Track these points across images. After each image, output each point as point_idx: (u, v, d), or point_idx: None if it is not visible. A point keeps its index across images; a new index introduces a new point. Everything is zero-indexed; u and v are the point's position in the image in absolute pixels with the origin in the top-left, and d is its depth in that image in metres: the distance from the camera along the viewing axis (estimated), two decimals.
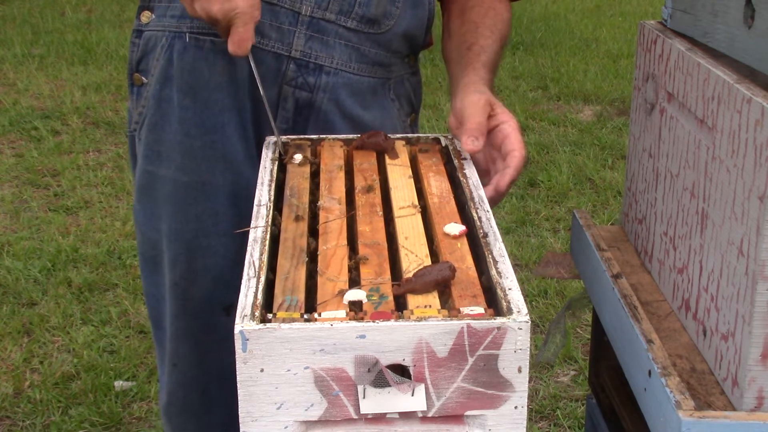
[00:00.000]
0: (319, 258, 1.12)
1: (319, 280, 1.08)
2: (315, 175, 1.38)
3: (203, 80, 1.52)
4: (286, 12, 1.50)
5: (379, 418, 0.99)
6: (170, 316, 1.64)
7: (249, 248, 1.12)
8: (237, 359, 0.96)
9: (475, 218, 1.21)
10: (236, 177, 1.55)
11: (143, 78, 1.58)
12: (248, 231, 1.17)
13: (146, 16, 1.57)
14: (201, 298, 1.60)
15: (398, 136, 1.50)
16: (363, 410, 0.98)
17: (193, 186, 1.56)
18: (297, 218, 1.22)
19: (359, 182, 1.34)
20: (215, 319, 1.60)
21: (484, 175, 1.44)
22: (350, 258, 1.13)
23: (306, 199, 1.28)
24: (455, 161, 1.41)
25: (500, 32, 1.61)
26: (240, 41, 1.37)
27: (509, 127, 1.45)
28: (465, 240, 1.17)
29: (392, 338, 0.96)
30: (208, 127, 1.54)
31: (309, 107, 1.56)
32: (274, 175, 1.34)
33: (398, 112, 1.64)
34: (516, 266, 3.49)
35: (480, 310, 0.99)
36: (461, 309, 1.00)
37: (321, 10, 1.51)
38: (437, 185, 1.34)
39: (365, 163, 1.41)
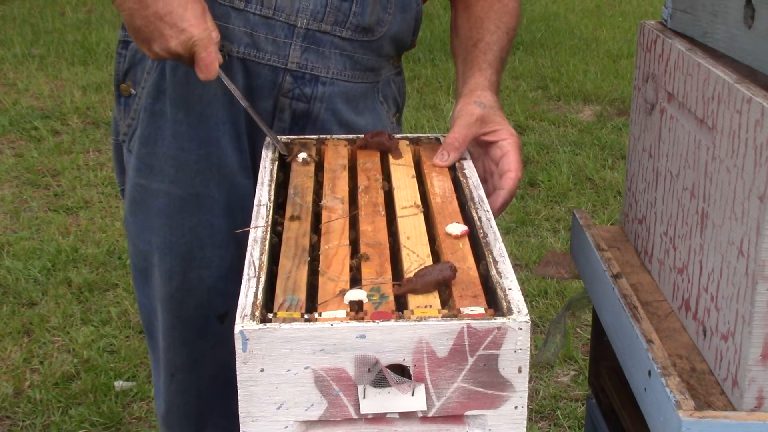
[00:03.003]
0: (321, 257, 1.12)
1: (320, 279, 1.08)
2: (319, 174, 1.38)
3: (197, 94, 1.53)
4: (281, 25, 1.50)
5: (379, 418, 0.99)
6: (164, 328, 1.64)
7: (249, 248, 1.12)
8: (237, 359, 0.96)
9: (476, 218, 1.21)
10: (231, 188, 1.56)
11: (131, 89, 1.58)
12: (248, 231, 1.17)
13: None
14: (195, 308, 1.61)
15: (401, 135, 1.50)
16: (363, 410, 0.98)
17: (187, 199, 1.56)
18: (299, 217, 1.22)
19: (363, 182, 1.34)
20: (209, 326, 1.61)
21: (483, 184, 1.45)
22: (352, 257, 1.13)
23: (309, 198, 1.28)
24: (453, 163, 1.41)
25: (506, 24, 1.60)
26: (206, 66, 1.38)
27: (509, 145, 1.46)
28: (467, 240, 1.17)
29: (392, 338, 0.96)
30: (202, 139, 1.54)
31: (306, 117, 1.56)
32: (274, 175, 1.34)
33: (386, 113, 1.65)
34: (516, 266, 3.49)
35: (480, 310, 0.99)
36: (461, 309, 1.00)
37: (317, 22, 1.51)
38: (440, 185, 1.34)
39: (369, 162, 1.41)
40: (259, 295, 1.02)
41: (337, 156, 1.43)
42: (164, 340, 1.65)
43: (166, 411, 1.71)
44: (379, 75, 1.62)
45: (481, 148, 1.49)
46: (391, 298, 1.04)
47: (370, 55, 1.57)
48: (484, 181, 1.46)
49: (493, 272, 1.07)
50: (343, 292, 1.04)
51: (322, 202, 1.27)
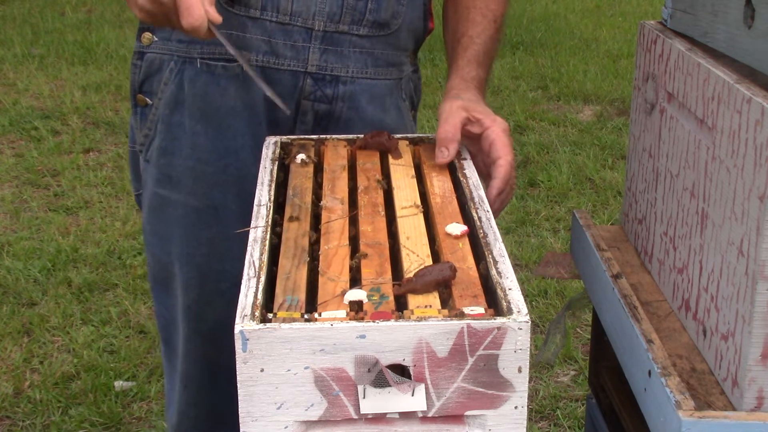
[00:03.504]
0: (321, 258, 1.12)
1: (320, 279, 1.08)
2: (318, 175, 1.38)
3: (215, 106, 1.52)
4: (299, 30, 1.50)
5: (379, 418, 0.99)
6: (182, 338, 1.63)
7: (249, 248, 1.12)
8: (237, 359, 0.96)
9: (476, 218, 1.21)
10: (250, 200, 1.55)
11: (147, 99, 1.57)
12: (248, 231, 1.17)
13: (147, 38, 1.56)
14: (214, 321, 1.59)
15: (401, 135, 1.50)
16: (363, 410, 0.98)
17: (204, 211, 1.55)
18: (299, 218, 1.22)
19: (362, 182, 1.34)
20: (227, 339, 1.60)
21: (486, 179, 1.44)
22: (352, 257, 1.13)
23: (308, 198, 1.28)
24: (455, 161, 1.41)
25: (493, 12, 1.59)
26: (187, 9, 1.26)
27: (493, 133, 1.44)
28: (467, 240, 1.17)
29: (392, 338, 0.96)
30: (221, 152, 1.53)
31: (328, 118, 1.56)
32: (274, 175, 1.34)
33: (407, 111, 1.65)
34: (516, 266, 3.49)
35: (480, 310, 0.99)
36: (462, 309, 1.00)
37: (334, 23, 1.51)
38: (440, 185, 1.34)
39: (368, 163, 1.41)
40: (259, 295, 1.02)
41: (336, 156, 1.43)
42: (181, 351, 1.65)
43: (178, 422, 1.70)
44: (401, 71, 1.62)
45: (472, 145, 1.48)
46: (391, 298, 1.04)
47: (389, 49, 1.57)
48: (488, 174, 1.45)
49: (493, 272, 1.07)
50: (343, 293, 1.04)
51: (321, 202, 1.27)
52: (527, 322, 0.97)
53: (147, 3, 1.31)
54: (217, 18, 1.31)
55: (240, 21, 1.48)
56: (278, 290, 1.05)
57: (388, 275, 1.09)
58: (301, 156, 1.41)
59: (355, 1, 1.51)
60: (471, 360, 0.97)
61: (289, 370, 0.96)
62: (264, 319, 0.98)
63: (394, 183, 1.34)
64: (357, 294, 1.03)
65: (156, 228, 1.61)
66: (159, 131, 1.56)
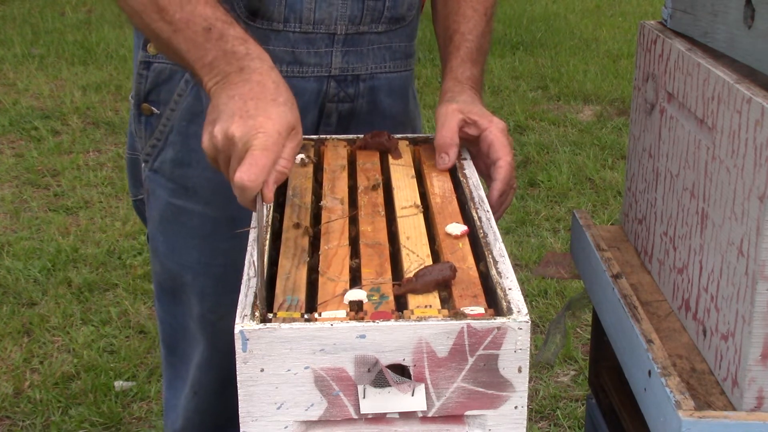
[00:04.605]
0: (321, 258, 1.12)
1: (320, 279, 1.08)
2: (318, 175, 1.38)
3: None
4: (322, 36, 1.50)
5: (379, 418, 0.99)
6: (201, 347, 1.63)
7: (249, 248, 1.12)
8: (237, 359, 0.97)
9: (476, 218, 1.21)
10: None
11: (154, 109, 1.55)
12: (248, 231, 1.17)
13: (154, 48, 1.53)
14: (229, 331, 1.59)
15: (401, 135, 1.50)
16: (363, 410, 0.98)
17: (222, 221, 1.54)
18: (298, 218, 1.22)
19: (362, 182, 1.34)
20: None
21: (486, 180, 1.44)
22: (352, 258, 1.13)
23: (308, 199, 1.28)
24: (455, 162, 1.41)
25: (484, 5, 1.58)
26: (250, 166, 1.11)
27: (491, 134, 1.43)
28: (467, 240, 1.17)
29: (392, 338, 0.96)
30: None
31: (350, 116, 1.57)
32: None
33: (418, 99, 1.66)
34: (516, 266, 3.49)
35: (480, 310, 0.99)
36: (462, 309, 1.00)
37: (354, 25, 1.51)
38: (440, 185, 1.34)
39: (368, 163, 1.41)
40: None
41: (336, 156, 1.43)
42: (198, 359, 1.64)
43: (182, 427, 1.70)
44: (414, 62, 1.63)
45: (470, 147, 1.47)
46: (391, 298, 1.04)
47: (405, 40, 1.59)
48: (489, 175, 1.45)
49: (493, 272, 1.07)
50: (343, 292, 1.04)
51: (321, 202, 1.27)
52: (527, 322, 0.97)
53: (219, 135, 1.17)
54: (270, 198, 1.15)
55: (263, 34, 1.47)
56: (278, 290, 1.05)
57: (388, 275, 1.09)
58: (300, 156, 1.41)
59: (374, 2, 1.51)
60: (471, 360, 0.97)
61: (289, 370, 0.96)
62: (264, 319, 0.98)
63: (394, 183, 1.34)
64: (357, 294, 1.03)
65: (169, 237, 1.59)
66: (172, 142, 1.54)
